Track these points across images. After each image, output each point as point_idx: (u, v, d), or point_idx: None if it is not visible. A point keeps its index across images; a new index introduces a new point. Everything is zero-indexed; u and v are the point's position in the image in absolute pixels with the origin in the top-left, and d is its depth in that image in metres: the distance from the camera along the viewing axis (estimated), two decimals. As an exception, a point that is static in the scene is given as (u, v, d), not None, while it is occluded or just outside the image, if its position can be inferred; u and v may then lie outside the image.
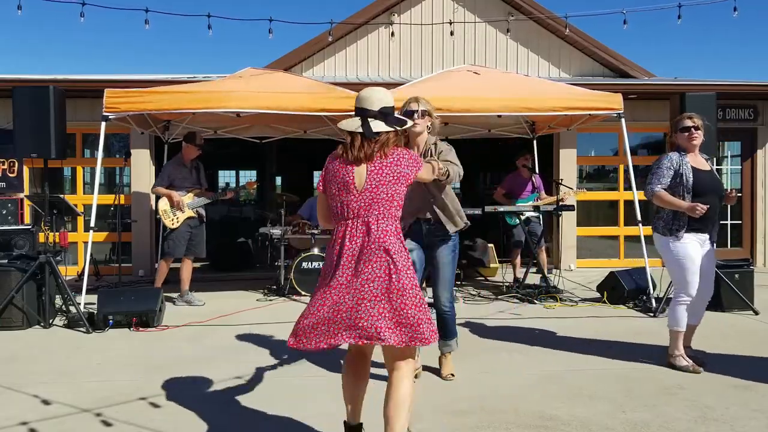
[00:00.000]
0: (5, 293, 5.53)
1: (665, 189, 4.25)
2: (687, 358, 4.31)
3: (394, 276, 2.63)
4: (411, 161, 2.77)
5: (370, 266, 2.63)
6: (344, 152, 2.76)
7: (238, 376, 4.20)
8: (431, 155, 3.87)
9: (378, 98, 2.79)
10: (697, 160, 4.37)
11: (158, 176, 6.96)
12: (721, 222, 9.84)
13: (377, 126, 2.73)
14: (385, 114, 2.76)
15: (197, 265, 9.90)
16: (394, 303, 2.61)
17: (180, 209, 6.69)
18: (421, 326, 2.61)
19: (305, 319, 2.72)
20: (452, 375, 4.14)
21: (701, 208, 4.04)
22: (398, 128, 2.78)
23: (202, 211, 6.92)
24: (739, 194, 9.92)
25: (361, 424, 2.97)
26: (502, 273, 8.41)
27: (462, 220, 4.03)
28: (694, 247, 4.22)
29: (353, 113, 2.83)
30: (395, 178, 2.70)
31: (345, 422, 2.97)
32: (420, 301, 2.66)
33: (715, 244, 4.38)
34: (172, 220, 6.69)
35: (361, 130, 2.73)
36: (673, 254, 4.25)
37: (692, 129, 4.31)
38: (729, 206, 9.85)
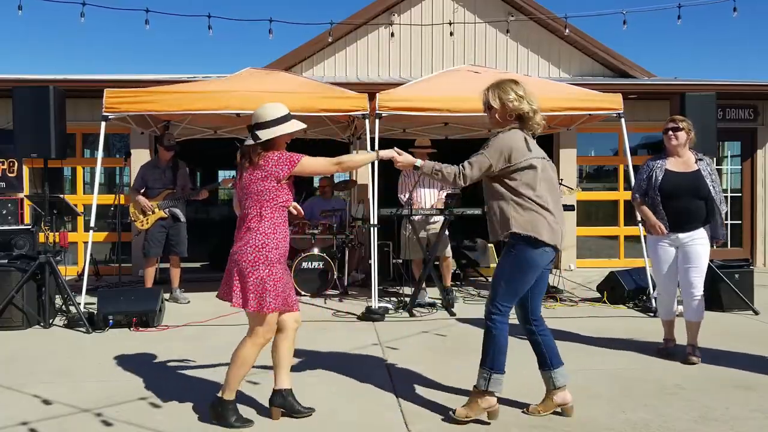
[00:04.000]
0: (5, 293, 5.53)
1: (645, 191, 4.62)
2: (668, 345, 4.73)
3: None
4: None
5: None
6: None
7: (238, 376, 4.19)
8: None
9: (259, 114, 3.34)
10: (679, 162, 4.56)
11: (134, 179, 7.01)
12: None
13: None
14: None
15: (197, 264, 9.94)
16: None
17: (149, 210, 6.73)
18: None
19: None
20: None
21: (660, 229, 4.51)
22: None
23: (177, 211, 6.89)
24: (739, 194, 10.00)
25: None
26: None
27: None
28: (664, 248, 4.57)
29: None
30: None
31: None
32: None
33: (703, 240, 4.50)
34: (142, 221, 6.77)
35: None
36: (650, 253, 4.73)
37: (669, 131, 4.56)
38: (729, 206, 9.88)
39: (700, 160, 4.59)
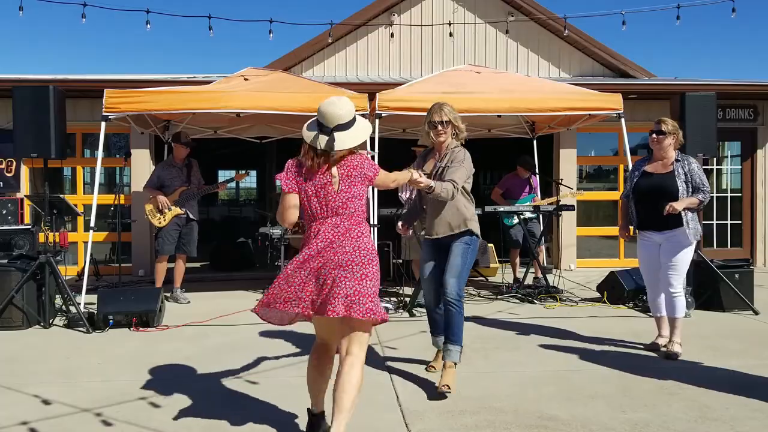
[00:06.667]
0: (5, 293, 5.53)
1: (628, 192, 4.79)
2: (656, 342, 4.81)
3: None
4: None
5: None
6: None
7: (238, 375, 4.20)
8: (448, 160, 3.99)
9: (336, 116, 3.02)
10: (659, 164, 4.65)
11: (149, 179, 7.02)
12: (721, 222, 9.88)
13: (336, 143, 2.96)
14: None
15: (197, 264, 9.94)
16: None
17: (167, 208, 6.76)
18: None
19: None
20: (448, 387, 3.75)
21: (623, 234, 4.92)
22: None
23: (193, 209, 6.95)
24: (739, 194, 10.01)
25: (323, 412, 3.13)
26: (502, 273, 8.42)
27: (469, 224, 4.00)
28: (645, 245, 4.74)
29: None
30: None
31: (308, 409, 3.15)
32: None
33: (684, 239, 4.52)
34: (159, 219, 6.80)
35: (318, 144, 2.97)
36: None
37: (653, 133, 4.63)
38: (729, 206, 9.90)
39: (678, 161, 4.59)
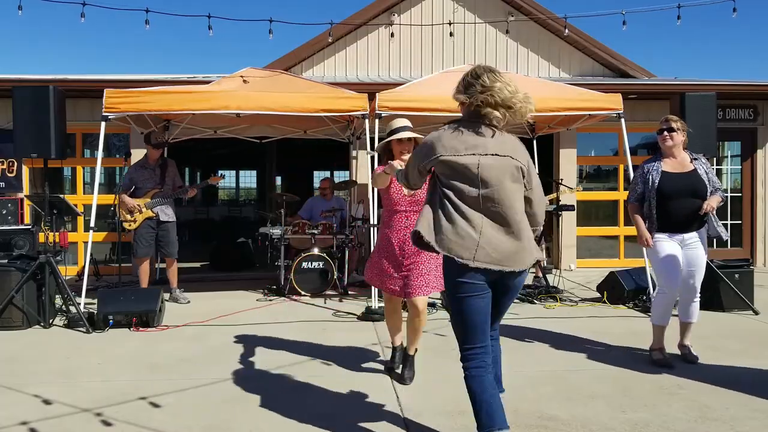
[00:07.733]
0: (5, 293, 5.53)
1: (641, 195, 4.55)
2: (663, 353, 4.48)
3: None
4: None
5: None
6: None
7: (238, 375, 4.20)
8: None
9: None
10: (674, 162, 4.50)
11: (122, 181, 7.01)
12: (721, 222, 9.85)
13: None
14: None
15: (197, 264, 9.94)
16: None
17: (137, 210, 6.74)
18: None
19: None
20: None
21: (646, 241, 4.45)
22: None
23: (166, 211, 6.87)
24: (739, 194, 10.01)
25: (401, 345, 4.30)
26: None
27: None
28: (669, 244, 4.42)
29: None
30: None
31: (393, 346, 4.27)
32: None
33: (704, 242, 4.47)
34: (129, 221, 6.78)
35: None
36: (651, 251, 4.50)
37: (664, 131, 4.50)
38: (729, 206, 9.89)
39: (695, 159, 4.54)
